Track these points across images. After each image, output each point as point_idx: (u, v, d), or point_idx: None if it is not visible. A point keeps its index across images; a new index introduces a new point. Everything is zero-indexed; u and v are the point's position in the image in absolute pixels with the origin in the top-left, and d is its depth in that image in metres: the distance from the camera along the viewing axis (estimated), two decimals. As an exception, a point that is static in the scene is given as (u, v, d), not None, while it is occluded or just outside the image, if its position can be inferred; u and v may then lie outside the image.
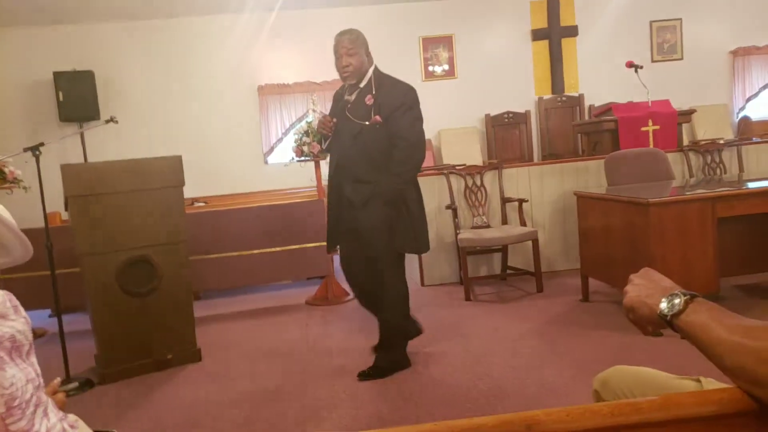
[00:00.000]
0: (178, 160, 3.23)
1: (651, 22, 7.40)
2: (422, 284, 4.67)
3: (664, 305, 0.89)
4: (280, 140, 6.93)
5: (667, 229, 3.04)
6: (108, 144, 6.32)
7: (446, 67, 7.15)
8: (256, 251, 4.35)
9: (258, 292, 4.95)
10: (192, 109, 6.73)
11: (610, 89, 6.95)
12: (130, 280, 3.10)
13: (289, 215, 4.38)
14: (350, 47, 2.79)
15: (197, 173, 5.70)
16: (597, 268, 3.70)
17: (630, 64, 5.06)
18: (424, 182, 4.59)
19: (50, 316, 4.52)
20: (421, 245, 2.94)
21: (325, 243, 4.30)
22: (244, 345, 3.55)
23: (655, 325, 0.93)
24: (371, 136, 2.79)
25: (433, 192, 4.62)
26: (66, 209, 3.10)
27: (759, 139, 5.57)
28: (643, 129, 4.92)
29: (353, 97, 2.87)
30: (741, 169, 5.00)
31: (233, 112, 6.83)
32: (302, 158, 4.28)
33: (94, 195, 3.01)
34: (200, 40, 6.71)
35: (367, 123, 2.79)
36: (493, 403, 2.48)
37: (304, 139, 4.18)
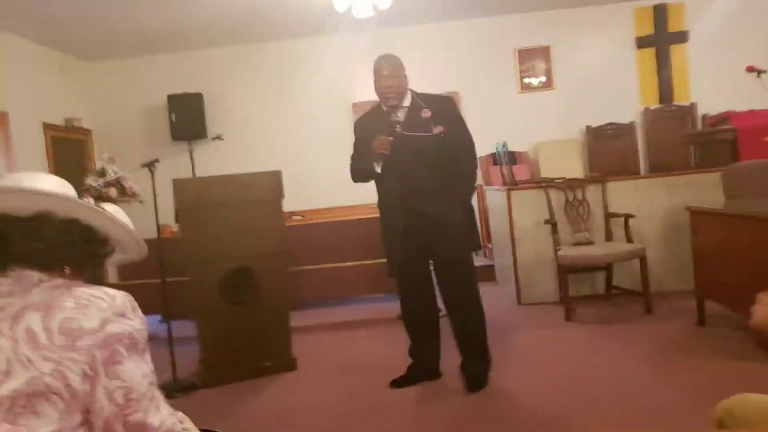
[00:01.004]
0: (277, 174, 3.38)
1: (773, 23, 6.76)
2: (519, 302, 4.51)
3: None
4: (374, 156, 7.05)
5: (798, 246, 2.73)
6: (214, 160, 6.71)
7: (543, 78, 6.94)
8: (349, 263, 4.43)
9: (351, 304, 5.02)
10: (291, 126, 7.04)
11: (726, 97, 6.41)
12: (232, 288, 3.26)
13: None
14: (392, 70, 2.92)
15: (295, 188, 5.90)
16: (714, 290, 3.37)
17: (751, 69, 4.64)
18: (521, 196, 4.50)
19: (161, 322, 4.83)
20: (480, 241, 3.18)
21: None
22: (338, 357, 3.60)
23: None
24: (436, 147, 2.86)
25: (530, 206, 4.47)
26: (176, 221, 3.33)
27: None
28: (766, 139, 4.49)
29: (401, 116, 2.93)
30: None
31: (329, 130, 7.04)
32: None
33: (202, 208, 3.21)
34: (298, 61, 7.02)
35: (431, 134, 2.85)
36: (593, 430, 2.32)
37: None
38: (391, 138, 2.85)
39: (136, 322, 1.00)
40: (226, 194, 3.25)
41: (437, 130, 2.86)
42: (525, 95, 6.92)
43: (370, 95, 7.56)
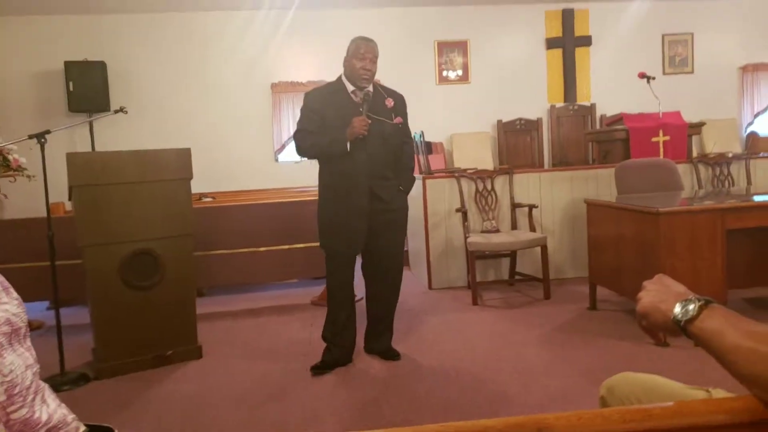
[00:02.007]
0: (186, 152, 3.21)
1: (663, 36, 7.37)
2: (430, 287, 4.63)
3: (678, 310, 0.86)
4: (291, 138, 6.92)
5: (677, 238, 3.00)
6: (117, 136, 6.32)
7: (460, 72, 7.13)
8: (262, 249, 4.33)
9: (263, 290, 4.93)
10: (204, 103, 6.74)
11: (622, 100, 6.91)
12: (132, 272, 3.07)
13: (297, 213, 4.36)
14: (374, 54, 2.94)
15: (206, 168, 5.70)
16: (605, 277, 3.65)
17: (642, 75, 5.03)
18: (436, 184, 4.60)
19: (48, 309, 4.50)
20: None
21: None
22: (246, 343, 3.53)
23: (669, 331, 0.89)
24: (396, 136, 2.98)
25: (443, 195, 4.59)
26: (70, 199, 3.08)
27: (767, 154, 5.53)
28: (654, 139, 4.90)
29: (366, 99, 2.93)
30: (749, 182, 4.96)
31: (245, 109, 6.82)
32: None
33: (100, 185, 2.98)
34: (216, 35, 6.72)
35: (393, 123, 2.94)
36: (497, 409, 2.44)
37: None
38: (369, 120, 2.84)
39: (11, 305, 0.90)
40: (127, 171, 3.03)
41: (397, 120, 2.94)
42: (442, 87, 7.08)
43: (291, 76, 7.42)
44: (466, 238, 4.25)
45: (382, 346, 3.15)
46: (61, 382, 2.92)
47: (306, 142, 2.95)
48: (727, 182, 4.89)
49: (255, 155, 6.84)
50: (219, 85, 6.76)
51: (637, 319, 0.94)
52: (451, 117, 6.95)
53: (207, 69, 6.73)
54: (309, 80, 6.78)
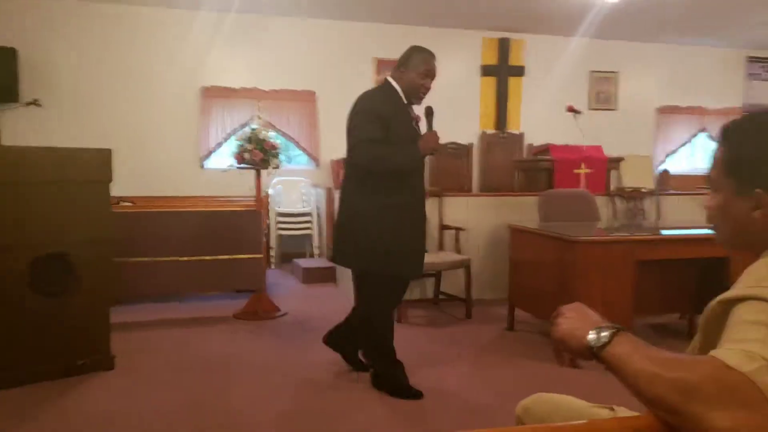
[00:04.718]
0: (107, 153, 3.05)
1: (591, 72, 7.83)
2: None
3: (591, 337, 0.91)
4: (219, 145, 6.73)
5: (591, 266, 3.17)
6: (29, 131, 5.87)
7: (396, 91, 7.23)
8: (183, 258, 4.16)
9: (183, 301, 4.74)
10: (128, 102, 6.42)
11: (549, 131, 7.25)
12: (43, 277, 2.88)
13: (222, 224, 4.24)
14: (436, 74, 2.81)
15: (127, 171, 5.44)
16: (524, 299, 3.80)
17: (570, 109, 5.30)
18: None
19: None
20: None
21: (259, 255, 4.25)
22: (162, 355, 3.38)
23: (583, 356, 0.95)
24: None
25: (372, 212, 4.61)
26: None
27: (676, 191, 5.98)
28: (576, 171, 5.17)
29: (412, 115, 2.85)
30: (659, 217, 5.34)
31: (173, 111, 6.57)
32: (242, 165, 4.17)
33: (8, 183, 2.78)
34: (147, 30, 6.45)
35: None
36: (415, 424, 2.47)
37: (246, 145, 4.08)
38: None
39: None
40: (41, 169, 2.84)
41: None
42: (378, 105, 7.15)
43: (224, 80, 7.20)
44: (394, 255, 4.29)
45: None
46: None
47: (372, 153, 2.60)
48: (639, 216, 5.24)
49: (180, 160, 6.60)
50: (146, 84, 6.48)
51: (554, 343, 0.99)
52: (386, 136, 7.02)
53: (135, 66, 6.44)
54: (242, 86, 6.65)
